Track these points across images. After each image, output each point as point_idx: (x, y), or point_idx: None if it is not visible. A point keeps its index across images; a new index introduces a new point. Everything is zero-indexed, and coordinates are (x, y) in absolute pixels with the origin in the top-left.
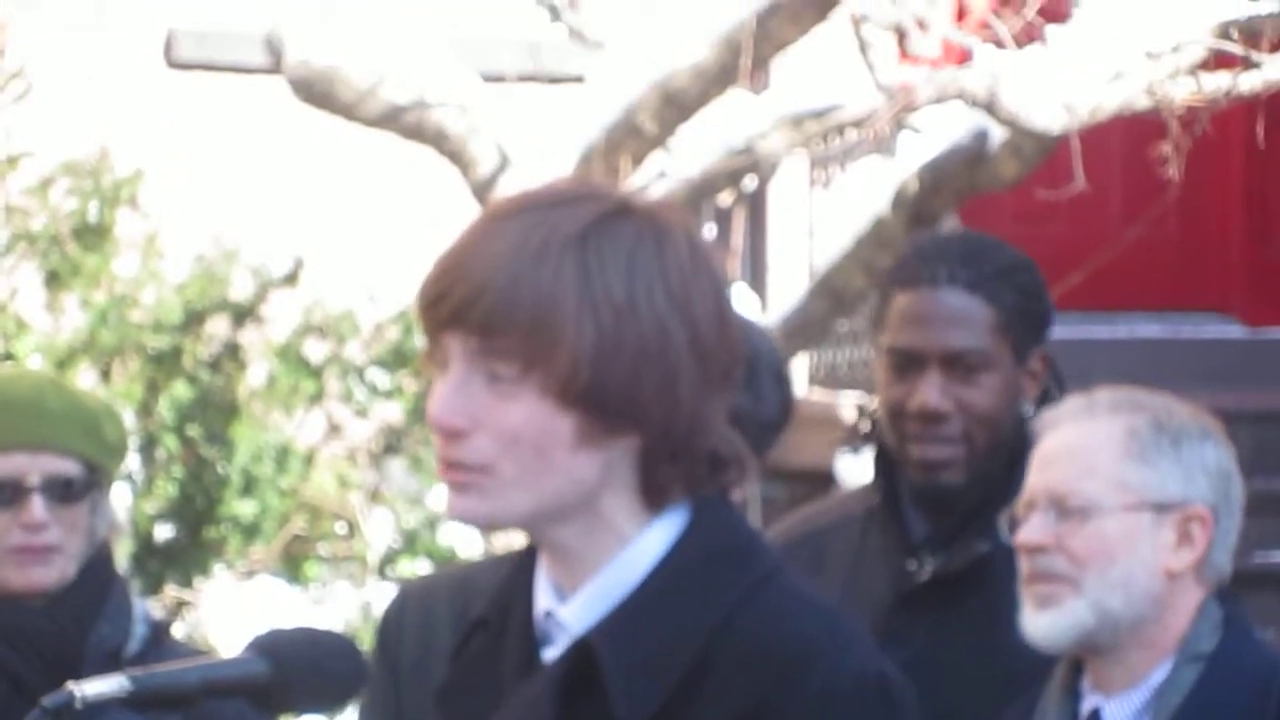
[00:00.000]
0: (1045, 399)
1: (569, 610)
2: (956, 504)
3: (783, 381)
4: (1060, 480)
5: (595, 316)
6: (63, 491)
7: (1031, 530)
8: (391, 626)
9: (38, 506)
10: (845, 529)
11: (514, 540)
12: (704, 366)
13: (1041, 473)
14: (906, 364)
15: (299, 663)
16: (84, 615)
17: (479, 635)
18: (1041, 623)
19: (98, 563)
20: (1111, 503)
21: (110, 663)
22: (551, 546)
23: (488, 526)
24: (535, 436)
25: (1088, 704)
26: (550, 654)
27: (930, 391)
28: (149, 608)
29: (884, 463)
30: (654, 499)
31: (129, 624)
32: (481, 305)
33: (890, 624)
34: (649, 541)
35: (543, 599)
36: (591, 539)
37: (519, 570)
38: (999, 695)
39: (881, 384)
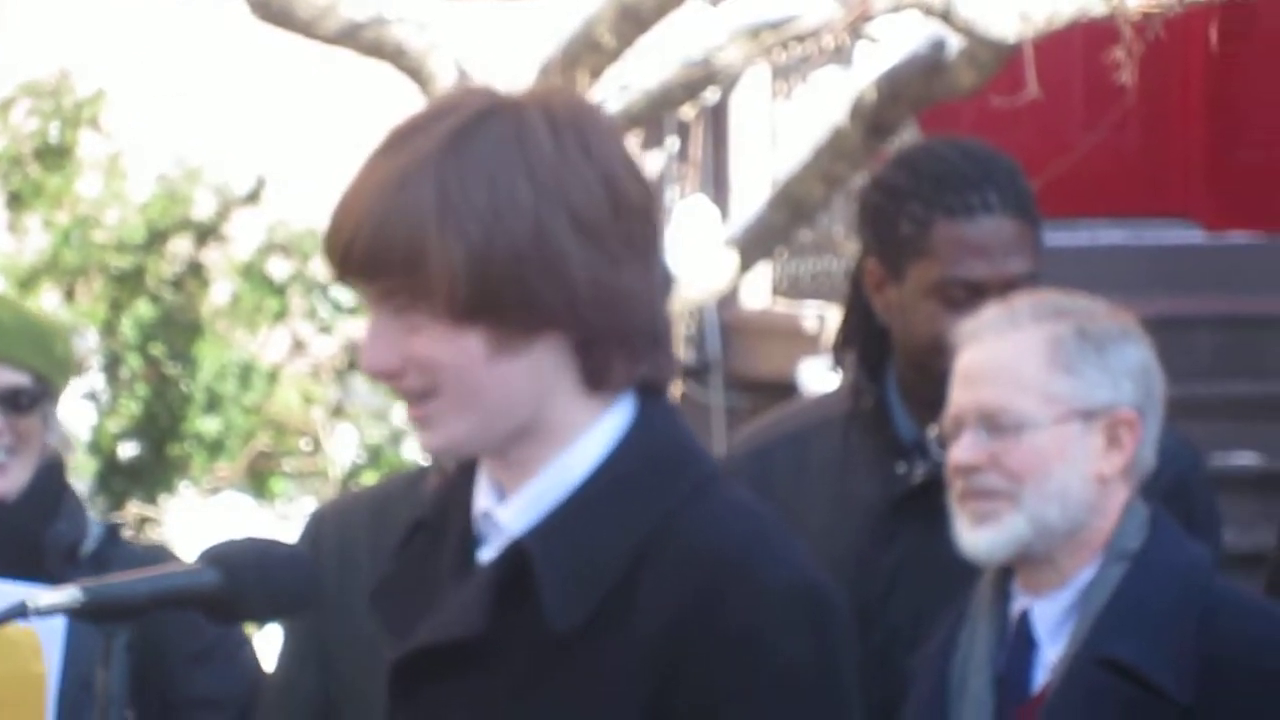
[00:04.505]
0: None
1: (506, 511)
2: None
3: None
4: (990, 397)
5: (460, 232)
6: (13, 401)
7: (964, 450)
8: (307, 551)
9: None
10: (827, 432)
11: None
12: (597, 242)
13: (968, 389)
14: (965, 295)
15: (249, 573)
16: (40, 516)
17: (418, 536)
18: (981, 538)
19: (50, 472)
20: (1042, 416)
21: (69, 558)
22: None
23: (452, 454)
24: (449, 360)
25: (1017, 605)
26: (486, 555)
27: None
28: (101, 517)
29: (872, 367)
30: (597, 384)
31: (84, 524)
32: (358, 252)
33: (882, 526)
34: (591, 442)
35: (482, 499)
36: (536, 440)
37: (461, 471)
38: None
39: (923, 314)
